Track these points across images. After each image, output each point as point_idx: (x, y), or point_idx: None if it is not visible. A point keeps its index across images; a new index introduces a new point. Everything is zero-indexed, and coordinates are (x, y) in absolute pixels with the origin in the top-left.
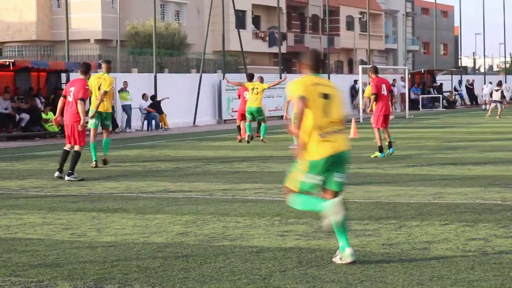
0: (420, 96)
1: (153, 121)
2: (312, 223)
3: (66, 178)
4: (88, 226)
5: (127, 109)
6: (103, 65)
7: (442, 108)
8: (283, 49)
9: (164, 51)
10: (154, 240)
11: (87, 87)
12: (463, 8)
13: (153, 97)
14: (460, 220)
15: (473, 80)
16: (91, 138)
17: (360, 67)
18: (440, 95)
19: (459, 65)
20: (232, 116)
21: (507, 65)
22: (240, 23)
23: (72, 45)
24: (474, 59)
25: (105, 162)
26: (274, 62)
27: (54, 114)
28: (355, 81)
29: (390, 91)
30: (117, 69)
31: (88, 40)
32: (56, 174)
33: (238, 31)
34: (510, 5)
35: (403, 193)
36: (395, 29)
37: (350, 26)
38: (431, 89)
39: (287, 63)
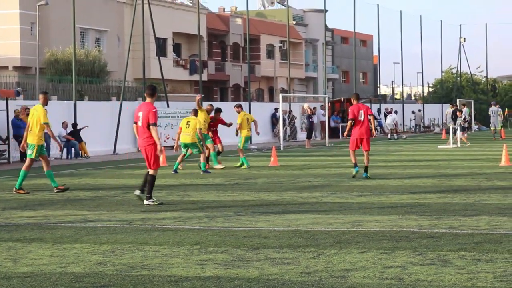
0: (340, 124)
1: (73, 149)
2: (231, 252)
3: (145, 202)
4: (4, 257)
5: (46, 137)
6: (41, 96)
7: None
8: (204, 77)
9: (84, 78)
10: (71, 270)
11: (155, 110)
12: (381, 38)
13: (74, 125)
14: (377, 248)
15: (392, 108)
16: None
17: (280, 95)
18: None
19: (378, 93)
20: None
21: (425, 94)
22: (161, 51)
23: None
24: (393, 88)
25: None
26: (195, 90)
27: None
28: (276, 109)
29: (368, 115)
30: (36, 97)
31: (7, 67)
32: (137, 192)
33: (159, 59)
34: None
35: (322, 221)
36: (315, 57)
37: (270, 54)
38: None
39: (208, 91)
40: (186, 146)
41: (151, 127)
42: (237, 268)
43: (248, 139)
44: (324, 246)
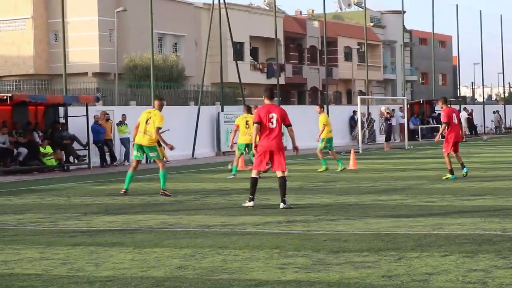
0: (419, 126)
1: None
2: (311, 256)
3: (282, 206)
4: (86, 261)
5: (125, 142)
6: (156, 102)
7: (441, 138)
8: (282, 81)
9: (162, 83)
10: (152, 274)
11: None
12: (461, 38)
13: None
14: (460, 251)
15: (472, 110)
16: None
17: (358, 97)
18: (439, 125)
19: (458, 94)
20: (231, 148)
21: (506, 95)
22: (238, 55)
23: (69, 78)
24: (473, 89)
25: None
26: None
27: (52, 148)
28: (354, 112)
29: (460, 120)
30: (115, 102)
31: (86, 74)
32: (250, 204)
33: (236, 63)
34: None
35: (403, 224)
36: (393, 59)
37: (348, 56)
38: (430, 119)
39: (286, 95)
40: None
41: (290, 128)
42: (317, 272)
43: (329, 140)
44: (405, 249)
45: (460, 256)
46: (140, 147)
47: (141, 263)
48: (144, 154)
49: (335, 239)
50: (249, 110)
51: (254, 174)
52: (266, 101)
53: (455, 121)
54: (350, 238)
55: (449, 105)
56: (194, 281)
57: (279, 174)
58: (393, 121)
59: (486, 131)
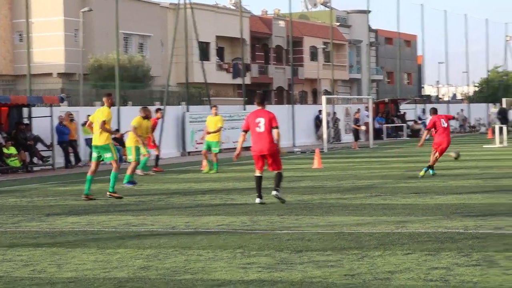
0: (384, 125)
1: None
2: (274, 255)
3: (273, 193)
4: (48, 262)
5: (90, 142)
6: (104, 99)
7: (406, 137)
8: (247, 80)
9: (127, 84)
10: (115, 275)
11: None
12: (426, 38)
13: (117, 131)
14: (422, 249)
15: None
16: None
17: (323, 97)
18: (404, 124)
19: (423, 94)
20: (196, 148)
21: (471, 94)
22: (204, 55)
23: (34, 79)
24: (438, 88)
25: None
26: (238, 93)
27: (16, 149)
28: (320, 111)
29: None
30: (80, 103)
31: (51, 74)
32: (258, 200)
33: (202, 63)
34: (472, 34)
35: (366, 223)
36: (359, 59)
37: (314, 56)
38: (395, 118)
39: (251, 94)
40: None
41: (275, 130)
42: (280, 271)
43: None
44: (368, 248)
45: (423, 254)
46: (96, 148)
47: (104, 264)
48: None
49: (298, 239)
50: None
51: (257, 173)
52: (257, 107)
53: (445, 125)
54: (313, 237)
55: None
56: (157, 281)
57: (275, 171)
58: (361, 122)
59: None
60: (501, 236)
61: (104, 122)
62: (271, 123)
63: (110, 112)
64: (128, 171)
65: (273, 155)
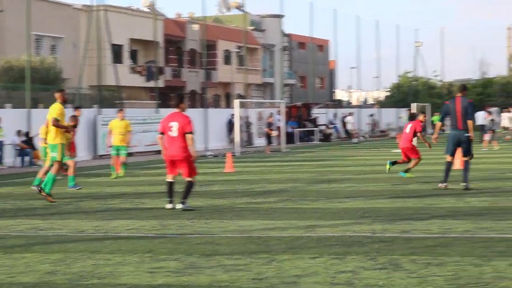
0: (296, 130)
1: (27, 158)
2: (183, 259)
3: (179, 206)
4: None
5: (0, 145)
6: (56, 94)
7: (318, 141)
8: (161, 84)
9: (39, 86)
10: (20, 280)
11: (190, 119)
12: (338, 43)
13: (27, 134)
14: (329, 253)
15: (350, 113)
16: None
17: (236, 101)
18: (316, 129)
19: (335, 98)
20: (108, 152)
21: (382, 99)
22: (117, 58)
23: None
24: (350, 93)
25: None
26: (151, 96)
27: None
28: (232, 115)
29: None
30: None
31: None
32: (168, 206)
33: (115, 66)
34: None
35: (276, 227)
36: (272, 63)
37: (227, 60)
38: (307, 123)
39: (165, 98)
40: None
41: (188, 135)
42: (188, 275)
43: (118, 148)
44: (276, 252)
45: (330, 258)
46: (49, 146)
47: (9, 269)
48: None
49: (208, 242)
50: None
51: (169, 178)
52: (175, 110)
53: (407, 131)
54: (222, 241)
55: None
56: (63, 286)
57: (186, 178)
58: (274, 126)
59: (361, 134)
60: (407, 239)
61: (56, 119)
62: (184, 128)
63: (63, 108)
64: (69, 173)
65: (185, 161)
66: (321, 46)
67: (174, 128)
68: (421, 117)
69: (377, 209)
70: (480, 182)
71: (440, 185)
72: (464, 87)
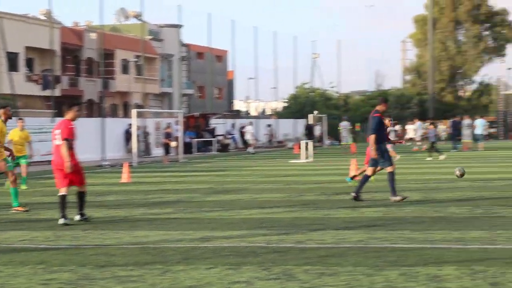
0: (194, 140)
1: None
2: (77, 270)
3: (77, 218)
4: None
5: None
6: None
7: (216, 151)
8: (57, 92)
9: None
10: None
11: (71, 126)
12: (236, 53)
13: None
14: (224, 264)
15: (250, 122)
16: None
17: (133, 110)
18: (214, 139)
19: (233, 108)
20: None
21: (279, 109)
22: (12, 66)
23: None
24: (248, 103)
25: None
26: (47, 105)
27: None
28: (130, 125)
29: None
30: None
31: None
32: (61, 221)
33: (10, 74)
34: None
35: (171, 238)
36: (170, 72)
37: (125, 69)
38: (205, 133)
39: (61, 107)
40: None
41: (63, 142)
42: (81, 287)
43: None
44: (171, 262)
45: (225, 268)
46: None
47: None
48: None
49: (102, 253)
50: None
51: (61, 191)
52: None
53: None
54: (117, 252)
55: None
56: None
57: (78, 188)
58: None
59: (259, 145)
60: (302, 250)
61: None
62: (62, 135)
63: (4, 126)
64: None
65: (74, 170)
66: (220, 57)
67: (58, 136)
68: (386, 122)
69: (273, 219)
70: (375, 194)
71: (394, 198)
72: (383, 100)
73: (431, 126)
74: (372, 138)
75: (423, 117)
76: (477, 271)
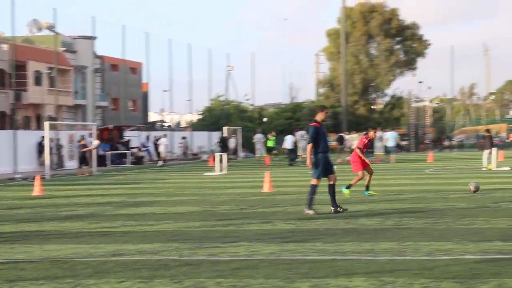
0: (108, 152)
1: None
2: None
3: None
4: None
5: None
6: None
7: (130, 164)
8: None
9: None
10: None
11: None
12: (151, 65)
13: None
14: (136, 277)
15: (164, 134)
16: None
17: (46, 123)
18: (128, 151)
19: (148, 121)
20: None
21: (194, 121)
22: None
23: None
24: (163, 115)
25: None
26: None
27: None
28: (42, 137)
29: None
30: None
31: None
32: None
33: None
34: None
35: (83, 251)
36: (84, 84)
37: (38, 81)
38: (120, 145)
39: None
40: None
41: None
42: None
43: None
44: (83, 276)
45: (136, 282)
46: None
47: None
48: None
49: (12, 268)
50: None
51: None
52: None
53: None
54: (27, 266)
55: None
56: None
57: None
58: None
59: (174, 157)
60: (214, 262)
61: None
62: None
63: None
64: None
65: None
66: (134, 69)
67: None
68: (371, 133)
69: (186, 232)
70: (287, 206)
71: (308, 211)
72: (320, 108)
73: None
74: (309, 147)
75: (336, 130)
76: (387, 282)
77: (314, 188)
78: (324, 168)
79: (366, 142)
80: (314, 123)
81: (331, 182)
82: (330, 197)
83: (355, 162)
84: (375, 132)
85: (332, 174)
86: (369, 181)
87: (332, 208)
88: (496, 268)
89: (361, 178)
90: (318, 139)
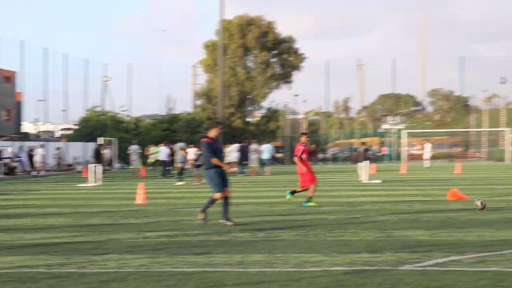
0: None
1: None
2: None
3: None
4: None
5: None
6: None
7: (3, 174)
8: None
9: None
10: None
11: None
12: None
13: None
14: None
15: (41, 145)
16: None
17: None
18: (0, 162)
19: (22, 131)
20: None
21: (69, 132)
22: None
23: None
24: (37, 125)
25: None
26: None
27: None
28: None
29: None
30: None
31: None
32: None
33: None
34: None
35: None
36: None
37: None
38: None
39: None
40: None
41: None
42: None
43: None
44: None
45: None
46: None
47: None
48: None
49: None
50: None
51: None
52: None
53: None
54: None
55: None
56: None
57: None
58: None
59: (49, 168)
60: (83, 275)
61: None
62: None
63: None
64: None
65: None
66: (8, 77)
67: None
68: (303, 138)
69: (56, 244)
70: (160, 217)
71: (225, 222)
72: (213, 125)
73: (182, 152)
74: (215, 161)
75: None
76: None
77: (215, 201)
78: (223, 181)
79: (303, 149)
80: (206, 139)
81: (227, 195)
82: (223, 207)
83: (303, 175)
84: (307, 137)
85: (227, 187)
86: (312, 191)
87: (222, 220)
88: (362, 280)
89: (306, 190)
90: (214, 153)
